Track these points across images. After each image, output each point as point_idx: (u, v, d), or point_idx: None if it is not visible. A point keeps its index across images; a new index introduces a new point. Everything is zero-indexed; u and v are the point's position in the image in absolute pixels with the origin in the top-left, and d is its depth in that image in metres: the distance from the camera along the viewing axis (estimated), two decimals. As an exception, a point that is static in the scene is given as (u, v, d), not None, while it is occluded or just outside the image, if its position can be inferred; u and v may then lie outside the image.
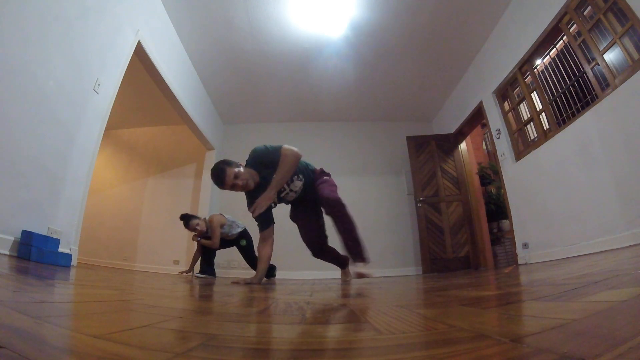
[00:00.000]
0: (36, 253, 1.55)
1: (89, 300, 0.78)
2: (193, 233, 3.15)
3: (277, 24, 3.17)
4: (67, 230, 1.94)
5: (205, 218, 3.22)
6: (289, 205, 2.11)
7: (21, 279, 0.98)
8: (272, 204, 1.85)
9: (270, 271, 2.98)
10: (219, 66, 3.79)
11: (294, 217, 2.12)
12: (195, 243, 3.26)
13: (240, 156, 5.60)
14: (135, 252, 4.51)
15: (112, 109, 2.32)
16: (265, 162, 1.79)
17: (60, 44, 1.80)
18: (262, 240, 1.87)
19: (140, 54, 2.63)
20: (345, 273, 2.20)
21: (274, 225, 1.91)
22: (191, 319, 0.60)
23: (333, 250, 2.14)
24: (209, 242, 3.06)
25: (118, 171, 5.11)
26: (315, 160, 4.69)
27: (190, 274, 3.26)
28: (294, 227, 2.10)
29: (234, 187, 1.73)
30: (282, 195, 1.91)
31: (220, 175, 1.70)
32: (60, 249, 1.81)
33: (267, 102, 4.55)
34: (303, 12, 3.03)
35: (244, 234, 3.22)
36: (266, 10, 3.01)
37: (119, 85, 2.37)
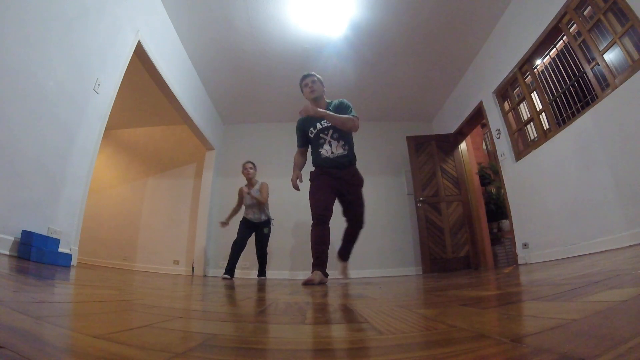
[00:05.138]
0: (36, 253, 1.55)
1: (89, 300, 0.78)
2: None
3: (277, 24, 3.17)
4: (67, 230, 1.94)
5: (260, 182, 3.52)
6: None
7: (21, 279, 0.98)
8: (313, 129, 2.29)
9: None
10: (219, 66, 3.79)
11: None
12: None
13: (240, 156, 5.54)
14: (135, 252, 4.50)
15: (112, 109, 2.32)
16: (341, 107, 2.29)
17: (60, 44, 1.80)
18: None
19: (140, 54, 2.63)
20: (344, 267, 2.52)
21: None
22: (191, 319, 0.60)
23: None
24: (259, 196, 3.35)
25: (118, 171, 5.11)
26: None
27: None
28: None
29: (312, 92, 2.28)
30: (316, 130, 2.28)
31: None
32: (60, 249, 1.81)
33: (267, 102, 4.55)
34: (303, 12, 3.02)
35: (268, 224, 3.43)
36: (266, 10, 3.01)
37: (119, 85, 2.37)
